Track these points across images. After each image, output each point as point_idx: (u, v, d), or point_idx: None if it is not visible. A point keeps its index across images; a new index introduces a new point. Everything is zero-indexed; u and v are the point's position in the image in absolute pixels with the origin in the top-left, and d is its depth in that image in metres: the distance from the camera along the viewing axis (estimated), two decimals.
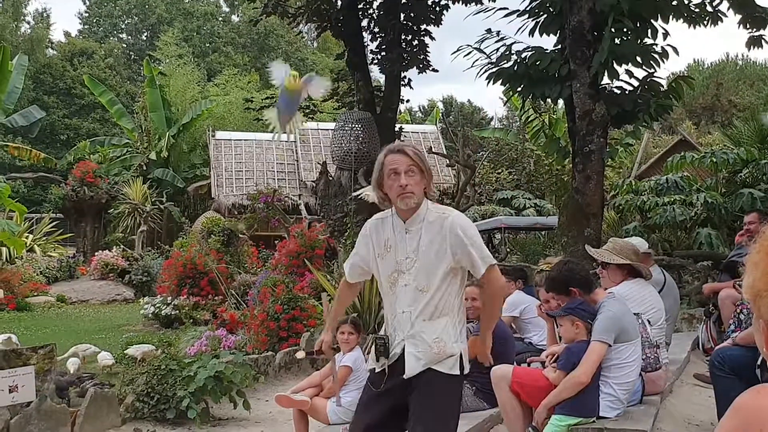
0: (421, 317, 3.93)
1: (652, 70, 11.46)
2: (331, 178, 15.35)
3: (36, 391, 6.87)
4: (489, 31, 12.16)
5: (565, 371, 4.96)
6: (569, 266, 5.66)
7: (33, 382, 6.78)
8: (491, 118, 57.41)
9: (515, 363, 5.92)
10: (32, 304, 19.13)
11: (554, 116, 21.47)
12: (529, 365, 5.86)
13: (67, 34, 59.37)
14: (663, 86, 12.02)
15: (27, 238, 24.53)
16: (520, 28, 12.21)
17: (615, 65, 11.24)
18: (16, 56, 29.47)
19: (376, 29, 15.85)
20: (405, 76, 15.79)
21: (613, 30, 10.82)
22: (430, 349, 3.88)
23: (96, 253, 24.06)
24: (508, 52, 11.91)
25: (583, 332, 5.08)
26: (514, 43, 11.99)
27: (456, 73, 69.49)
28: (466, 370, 4.03)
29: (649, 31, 11.28)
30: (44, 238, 26.19)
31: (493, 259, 3.90)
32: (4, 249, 21.66)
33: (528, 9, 11.93)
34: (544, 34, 11.95)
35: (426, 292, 3.93)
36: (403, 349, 3.94)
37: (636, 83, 11.70)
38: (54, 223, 27.39)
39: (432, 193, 4.02)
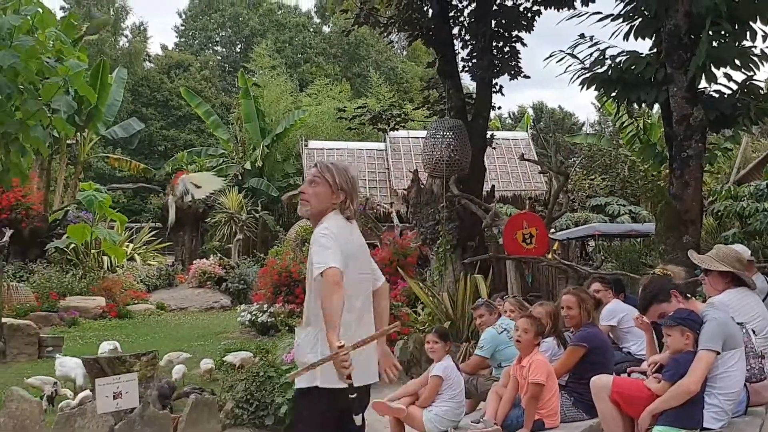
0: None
1: (752, 73, 11.16)
2: (422, 186, 15.38)
3: (139, 397, 7.05)
4: (582, 36, 12.01)
5: (672, 382, 4.86)
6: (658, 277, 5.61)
7: (136, 388, 6.96)
8: (582, 124, 56.75)
9: (614, 373, 5.85)
10: (133, 311, 19.66)
11: (648, 121, 21.04)
12: (629, 375, 5.77)
13: (163, 47, 61.03)
14: (763, 89, 11.69)
15: (127, 247, 25.22)
16: (614, 33, 11.97)
17: (713, 68, 10.98)
18: (115, 69, 30.27)
19: (467, 37, 15.81)
20: (496, 83, 15.71)
21: (710, 33, 10.58)
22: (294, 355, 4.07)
23: (194, 262, 24.60)
24: (602, 57, 11.74)
25: (692, 343, 4.97)
26: (609, 47, 11.83)
27: (545, 78, 68.93)
28: (324, 383, 3.99)
29: (748, 33, 10.99)
30: (144, 247, 26.89)
31: (323, 266, 3.88)
32: (105, 258, 22.30)
33: (622, 13, 11.74)
34: (639, 38, 11.75)
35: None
36: None
37: (735, 87, 11.40)
38: (153, 233, 28.11)
39: (348, 211, 4.21)
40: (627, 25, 11.76)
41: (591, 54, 11.84)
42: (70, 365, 9.79)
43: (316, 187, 4.15)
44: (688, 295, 5.44)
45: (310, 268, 4.10)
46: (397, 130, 19.69)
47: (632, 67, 11.32)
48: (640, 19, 11.61)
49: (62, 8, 47.38)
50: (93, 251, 21.84)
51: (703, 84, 11.23)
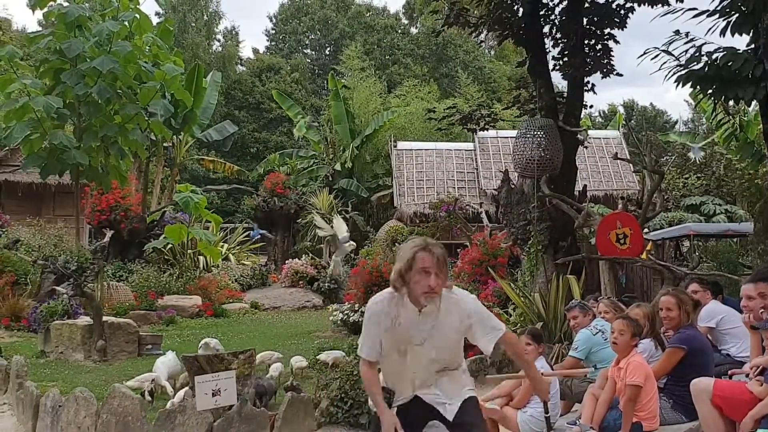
0: None
1: None
2: (513, 186, 15.29)
3: (237, 394, 7.19)
4: (677, 32, 11.78)
5: None
6: None
7: (234, 386, 7.09)
8: (675, 122, 55.59)
9: (714, 375, 5.74)
10: (228, 310, 20.00)
11: (745, 118, 20.52)
12: (730, 378, 5.66)
13: (255, 50, 62.07)
14: None
15: (222, 247, 25.70)
16: (710, 29, 11.71)
17: None
18: (209, 73, 30.85)
19: (558, 35, 15.62)
20: (588, 82, 15.49)
21: None
22: None
23: (286, 262, 24.90)
24: (698, 54, 11.50)
25: None
26: (705, 44, 11.58)
27: (636, 76, 67.55)
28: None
29: None
30: (238, 247, 27.37)
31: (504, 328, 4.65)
32: (201, 258, 22.75)
33: (718, 9, 11.48)
34: (736, 34, 11.47)
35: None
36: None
37: None
38: (246, 233, 28.58)
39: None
40: (723, 21, 11.49)
41: (686, 51, 11.61)
42: (156, 363, 10.03)
43: (440, 277, 4.40)
44: None
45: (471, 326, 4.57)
46: (487, 130, 19.60)
47: (729, 64, 11.05)
48: (736, 15, 11.33)
49: (157, 14, 48.61)
50: (189, 251, 22.31)
51: None
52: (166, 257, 22.08)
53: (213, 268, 23.14)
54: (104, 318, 13.34)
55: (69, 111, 15.93)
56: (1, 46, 18.62)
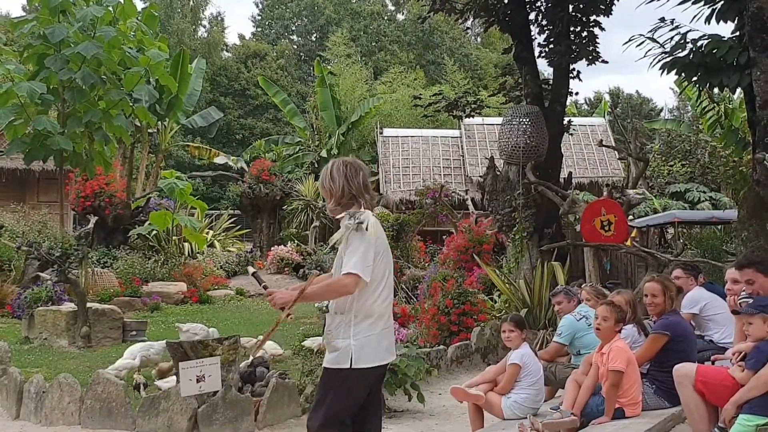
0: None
1: None
2: (498, 173, 15.30)
3: (221, 380, 7.18)
4: (662, 19, 11.81)
5: (755, 371, 4.79)
6: None
7: (219, 372, 7.08)
8: (661, 109, 55.73)
9: (696, 361, 5.77)
10: (213, 297, 19.94)
11: (730, 106, 20.61)
12: (713, 363, 5.69)
13: (241, 36, 61.83)
14: None
15: (207, 233, 25.65)
16: (695, 16, 11.75)
17: None
18: (195, 59, 30.70)
19: (544, 22, 15.60)
20: (573, 69, 15.51)
21: None
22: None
23: (272, 248, 24.90)
24: (683, 41, 11.53)
25: None
26: (690, 31, 11.61)
27: (622, 63, 67.49)
28: (354, 365, 4.35)
29: None
30: (223, 234, 27.32)
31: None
32: (186, 244, 22.70)
33: None
34: (721, 21, 11.50)
35: None
36: None
37: None
38: (232, 220, 28.54)
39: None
40: (708, 8, 11.53)
41: (671, 38, 11.64)
42: (134, 349, 9.92)
43: None
44: None
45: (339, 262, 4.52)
46: (473, 117, 19.54)
47: (714, 51, 11.08)
48: (722, 2, 11.36)
49: None
50: (174, 238, 22.24)
51: None
52: (151, 244, 22.01)
53: (198, 255, 23.08)
54: (88, 304, 13.29)
55: (53, 96, 15.85)
56: None
